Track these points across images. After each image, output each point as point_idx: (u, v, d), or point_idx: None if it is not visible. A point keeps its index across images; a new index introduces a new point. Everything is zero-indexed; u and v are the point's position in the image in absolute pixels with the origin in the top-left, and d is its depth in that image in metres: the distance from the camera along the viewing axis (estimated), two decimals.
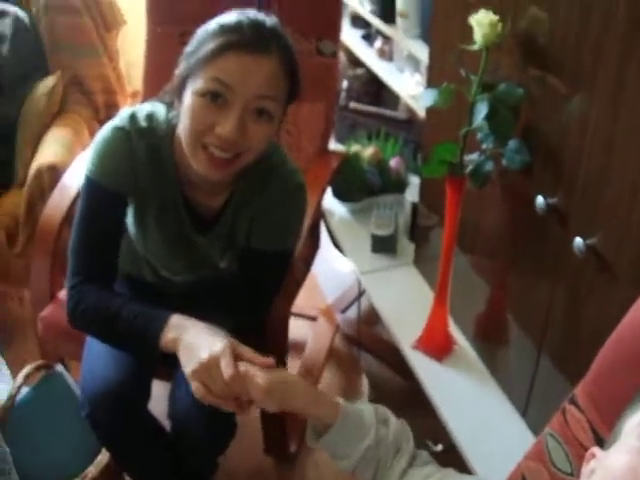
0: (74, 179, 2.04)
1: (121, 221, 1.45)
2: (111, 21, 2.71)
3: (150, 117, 1.40)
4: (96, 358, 1.56)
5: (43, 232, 1.96)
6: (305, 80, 1.34)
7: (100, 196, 1.41)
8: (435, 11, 1.74)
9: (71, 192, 2.00)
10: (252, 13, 1.27)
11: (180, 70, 1.31)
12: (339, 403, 1.11)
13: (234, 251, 1.52)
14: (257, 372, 1.11)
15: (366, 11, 2.51)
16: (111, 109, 2.73)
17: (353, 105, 2.82)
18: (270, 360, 1.15)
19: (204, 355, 1.15)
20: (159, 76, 2.15)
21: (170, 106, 1.40)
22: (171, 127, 1.39)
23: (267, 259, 1.46)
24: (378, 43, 2.63)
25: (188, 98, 1.26)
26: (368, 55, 2.70)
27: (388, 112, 2.77)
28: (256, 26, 1.24)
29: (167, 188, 1.44)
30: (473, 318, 1.86)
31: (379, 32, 2.57)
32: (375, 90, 2.92)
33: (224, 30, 1.24)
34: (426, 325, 1.84)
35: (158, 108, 1.43)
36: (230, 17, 1.26)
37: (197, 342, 1.20)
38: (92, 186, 1.41)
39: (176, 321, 1.27)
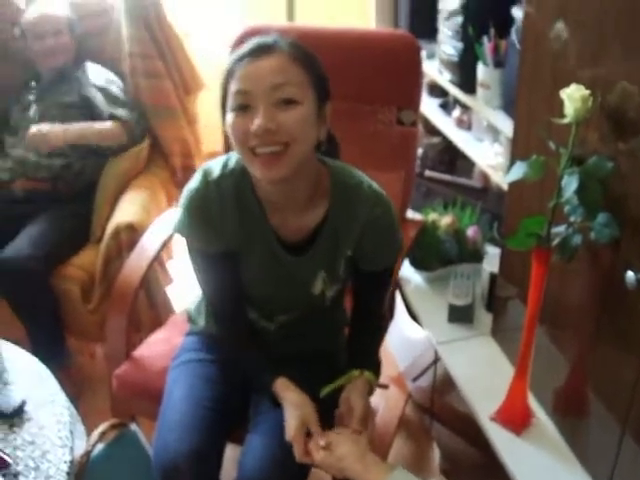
0: (152, 241, 2.12)
1: (234, 270, 1.58)
2: (191, 85, 2.83)
3: (224, 165, 1.53)
4: (170, 423, 1.61)
5: (120, 292, 2.04)
6: (385, 149, 1.40)
7: (203, 259, 1.57)
8: (520, 84, 1.78)
9: (149, 254, 2.08)
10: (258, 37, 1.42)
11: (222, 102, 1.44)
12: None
13: (330, 273, 1.59)
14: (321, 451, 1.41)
15: (445, 80, 2.57)
16: (188, 172, 2.82)
17: (428, 173, 2.87)
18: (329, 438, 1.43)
19: (287, 434, 1.44)
20: None
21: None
22: (241, 163, 1.49)
23: (375, 278, 1.62)
24: (456, 112, 2.68)
25: (227, 120, 1.40)
26: (446, 124, 2.76)
27: (463, 180, 2.81)
28: (259, 40, 1.40)
29: (254, 222, 1.53)
30: (553, 391, 1.86)
31: (457, 101, 2.63)
32: (450, 158, 2.97)
33: (235, 55, 1.41)
34: (505, 398, 1.84)
35: (231, 155, 1.54)
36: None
37: (286, 418, 1.48)
38: (192, 252, 1.57)
39: (279, 386, 1.52)
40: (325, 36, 2.20)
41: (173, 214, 2.21)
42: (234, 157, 1.53)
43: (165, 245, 2.15)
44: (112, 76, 2.79)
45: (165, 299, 2.40)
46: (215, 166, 1.53)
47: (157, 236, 2.14)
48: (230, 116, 1.39)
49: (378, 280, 1.65)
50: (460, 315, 2.16)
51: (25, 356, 1.75)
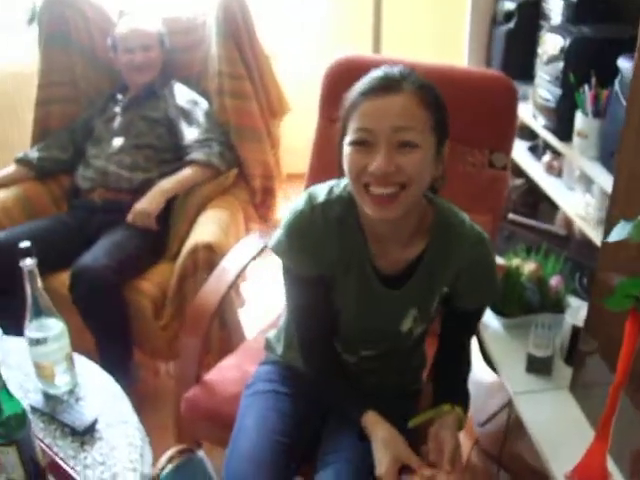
0: (233, 264, 2.14)
1: (327, 296, 1.59)
2: (277, 108, 2.86)
3: (330, 191, 1.55)
4: (241, 454, 1.61)
5: (197, 314, 2.05)
6: (474, 191, 1.40)
7: (297, 282, 1.59)
8: (624, 139, 1.75)
9: (229, 277, 2.10)
10: (384, 67, 1.43)
11: (339, 133, 1.46)
12: None
13: (422, 310, 1.60)
14: None
15: (539, 125, 2.54)
16: (267, 194, 2.85)
17: (511, 216, 2.84)
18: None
19: (378, 470, 1.44)
20: (326, 165, 2.25)
21: (340, 175, 1.53)
22: (349, 191, 1.50)
23: (468, 316, 1.65)
24: (547, 157, 2.66)
25: (344, 151, 1.42)
26: (534, 168, 2.73)
27: (546, 226, 2.78)
28: (385, 73, 1.40)
29: (354, 250, 1.54)
30: (632, 455, 1.81)
31: (548, 146, 2.60)
32: (533, 202, 2.94)
33: (359, 86, 1.41)
34: (583, 457, 1.79)
35: (336, 182, 1.57)
36: (373, 72, 1.43)
37: (376, 454, 1.47)
38: (287, 273, 1.59)
39: (369, 420, 1.52)
40: (418, 70, 2.19)
41: (253, 239, 2.27)
42: (341, 183, 1.55)
43: (245, 268, 2.16)
44: (197, 97, 2.84)
45: (237, 322, 2.41)
46: (321, 191, 1.55)
47: (237, 260, 2.15)
48: (348, 149, 1.40)
49: (469, 319, 1.68)
50: (539, 366, 2.13)
51: (99, 373, 1.78)
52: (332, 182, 1.57)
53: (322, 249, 1.52)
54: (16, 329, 1.70)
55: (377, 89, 1.37)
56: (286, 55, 3.08)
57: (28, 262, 1.56)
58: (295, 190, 3.20)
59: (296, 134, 3.01)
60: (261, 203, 2.85)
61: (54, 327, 1.62)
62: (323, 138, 2.30)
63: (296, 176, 3.26)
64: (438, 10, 4.08)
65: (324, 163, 2.27)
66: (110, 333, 2.48)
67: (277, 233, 1.58)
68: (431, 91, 1.41)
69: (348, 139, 1.40)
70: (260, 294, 2.94)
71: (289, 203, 2.97)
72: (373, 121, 1.36)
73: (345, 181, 1.52)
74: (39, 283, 1.58)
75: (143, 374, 2.73)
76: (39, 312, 1.59)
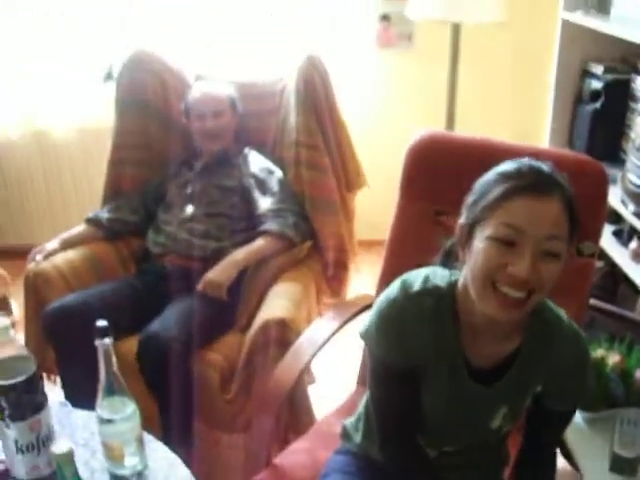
0: (310, 344, 2.11)
1: (414, 388, 1.54)
2: (354, 181, 2.86)
3: (426, 279, 1.50)
4: None
5: (271, 394, 2.02)
6: (560, 281, 1.37)
7: (385, 371, 1.55)
8: None
9: (305, 358, 2.07)
10: (527, 160, 1.38)
11: (464, 221, 1.43)
12: None
13: (513, 409, 1.56)
14: None
15: (629, 212, 2.50)
16: (339, 267, 2.83)
17: (592, 302, 2.77)
18: None
19: None
20: (405, 246, 2.23)
21: (445, 265, 1.53)
22: (450, 283, 1.48)
23: (557, 417, 1.60)
24: (634, 244, 2.60)
25: (479, 243, 1.36)
26: (619, 253, 2.69)
27: (630, 314, 2.71)
28: (536, 171, 1.36)
29: (446, 342, 1.50)
30: None
31: (636, 232, 2.54)
32: (612, 285, 2.88)
33: (506, 176, 1.36)
34: None
35: (432, 270, 1.53)
36: (508, 165, 1.39)
37: None
38: (375, 362, 1.55)
39: None
40: (501, 151, 2.16)
41: (329, 319, 2.24)
42: (438, 272, 1.52)
43: (320, 349, 2.13)
44: (272, 166, 2.85)
45: (306, 400, 2.38)
46: (416, 279, 1.52)
47: (312, 341, 2.12)
48: (486, 243, 1.35)
49: (559, 420, 1.62)
50: (625, 466, 2.06)
51: (167, 454, 1.77)
52: (427, 270, 1.54)
53: (413, 340, 1.49)
54: (83, 400, 1.69)
55: (532, 187, 1.33)
56: (358, 127, 3.07)
57: (105, 341, 1.55)
58: (364, 259, 3.18)
59: (368, 207, 3.01)
60: (333, 276, 2.83)
61: (126, 408, 1.62)
62: (404, 217, 2.28)
63: (364, 243, 3.26)
64: (517, 88, 4.08)
65: (404, 243, 2.25)
66: (173, 402, 2.46)
67: (367, 320, 1.56)
68: (573, 198, 1.38)
69: (489, 232, 1.35)
70: (331, 371, 2.90)
71: (359, 275, 2.98)
72: (526, 223, 1.32)
73: (442, 271, 1.51)
74: (114, 362, 1.58)
75: (203, 444, 2.68)
76: (112, 391, 1.60)
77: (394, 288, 1.53)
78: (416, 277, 1.53)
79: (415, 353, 1.50)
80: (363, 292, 2.55)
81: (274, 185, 2.79)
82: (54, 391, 2.77)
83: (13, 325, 3.41)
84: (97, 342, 1.55)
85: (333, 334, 2.16)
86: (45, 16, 3.88)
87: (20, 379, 1.54)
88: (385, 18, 3.85)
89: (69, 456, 1.37)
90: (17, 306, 3.69)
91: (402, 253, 2.25)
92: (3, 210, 4.42)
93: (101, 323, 1.55)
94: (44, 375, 2.80)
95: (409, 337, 1.49)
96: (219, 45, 3.79)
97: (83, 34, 3.92)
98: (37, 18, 3.88)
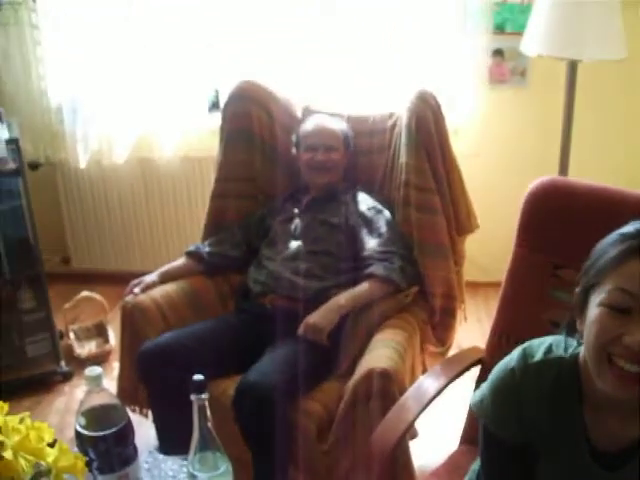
0: (416, 401, 2.04)
1: (529, 468, 1.45)
2: (465, 224, 2.77)
3: (548, 349, 1.42)
4: None
5: (374, 452, 1.96)
6: None
7: (497, 447, 1.46)
8: None
9: (410, 416, 1.99)
10: None
11: (580, 286, 1.34)
12: None
13: None
14: None
15: None
16: (446, 314, 2.74)
17: None
18: None
19: None
20: (520, 300, 2.12)
21: (570, 334, 1.42)
22: (574, 355, 1.39)
23: None
24: None
25: (592, 311, 1.28)
26: None
27: None
28: None
29: (566, 418, 1.41)
30: None
31: None
32: None
33: (625, 237, 1.28)
34: None
35: (555, 339, 1.44)
36: (631, 225, 1.30)
37: None
38: (487, 435, 1.47)
39: None
40: (631, 203, 2.03)
41: (435, 376, 2.14)
42: (562, 343, 1.43)
43: (426, 407, 2.03)
44: (380, 207, 2.78)
45: (407, 456, 2.29)
46: (538, 348, 1.43)
47: (420, 398, 2.04)
48: (600, 310, 1.27)
49: None
50: None
51: None
52: (551, 339, 1.45)
53: (530, 414, 1.40)
54: (174, 439, 1.64)
55: None
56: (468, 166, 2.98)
57: (201, 396, 1.50)
58: (469, 302, 3.07)
59: (469, 239, 2.91)
60: (439, 323, 2.72)
61: (219, 465, 1.56)
62: (519, 268, 2.17)
63: (470, 285, 3.15)
64: (633, 129, 3.91)
65: (519, 296, 2.14)
66: (268, 450, 2.41)
67: (481, 389, 1.47)
68: None
69: (602, 298, 1.27)
70: (433, 426, 2.78)
71: (465, 324, 2.88)
72: None
73: (568, 341, 1.42)
74: (209, 418, 1.52)
75: None
76: (205, 447, 1.54)
77: (513, 356, 1.44)
78: (538, 346, 1.44)
79: (532, 429, 1.41)
80: (468, 340, 2.45)
81: (382, 225, 2.71)
82: (143, 425, 2.79)
83: (109, 353, 3.49)
84: (192, 397, 1.50)
85: (440, 392, 2.07)
86: (154, 43, 3.92)
87: (111, 431, 1.51)
88: (498, 53, 3.74)
89: None
90: (114, 334, 3.72)
91: (516, 307, 2.15)
92: (104, 235, 4.49)
93: (198, 377, 1.50)
94: (136, 409, 2.80)
95: (525, 411, 1.40)
96: (328, 77, 3.75)
97: (191, 62, 3.96)
98: (147, 44, 3.93)
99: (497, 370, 1.45)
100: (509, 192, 2.19)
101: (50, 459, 1.36)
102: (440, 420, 2.79)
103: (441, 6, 3.64)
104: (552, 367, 1.39)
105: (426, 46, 3.72)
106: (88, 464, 1.47)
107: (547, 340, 1.45)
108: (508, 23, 3.70)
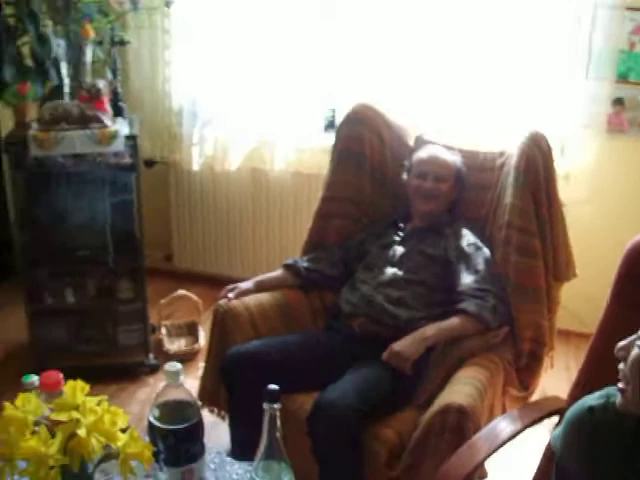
0: (488, 441, 2.04)
1: None
2: (563, 271, 2.75)
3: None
4: None
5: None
6: None
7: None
8: None
9: (480, 455, 2.00)
10: None
11: None
12: None
13: None
14: None
15: None
16: (533, 359, 2.72)
17: None
18: None
19: None
20: (609, 356, 2.08)
21: None
22: None
23: None
24: None
25: None
26: None
27: None
28: None
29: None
30: None
31: None
32: None
33: None
34: None
35: None
36: None
37: None
38: (561, 470, 1.47)
39: None
40: None
41: (513, 418, 2.14)
42: None
43: (497, 449, 2.03)
44: (480, 244, 2.81)
45: None
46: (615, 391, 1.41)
47: (493, 439, 2.03)
48: None
49: None
50: None
51: None
52: None
53: (605, 458, 1.38)
54: (248, 446, 1.68)
55: None
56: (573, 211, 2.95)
57: (273, 406, 1.55)
58: (559, 350, 3.02)
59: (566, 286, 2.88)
60: (524, 367, 2.71)
61: (282, 476, 1.60)
62: (612, 324, 2.13)
63: (562, 333, 3.12)
64: None
65: (608, 353, 2.09)
66: (338, 472, 2.44)
67: (561, 426, 1.46)
68: None
69: None
70: (504, 470, 2.76)
71: (552, 372, 2.84)
72: None
73: None
74: (278, 428, 1.56)
75: None
76: (270, 456, 1.59)
77: (594, 395, 1.42)
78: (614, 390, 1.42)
79: (603, 474, 1.39)
80: (554, 388, 2.43)
81: (480, 263, 2.72)
82: (219, 426, 2.89)
83: (197, 352, 3.59)
84: (265, 405, 1.54)
85: (514, 436, 2.06)
86: (278, 57, 4.06)
87: (182, 426, 1.57)
88: (619, 102, 3.69)
89: None
90: (204, 335, 3.82)
91: (604, 361, 2.08)
92: (208, 238, 4.64)
93: (273, 387, 1.55)
94: (214, 411, 2.87)
95: (599, 453, 1.38)
96: (443, 108, 3.79)
97: (312, 79, 4.07)
98: (272, 58, 4.07)
99: (576, 405, 1.44)
100: (615, 243, 2.16)
101: (120, 443, 1.44)
102: (512, 466, 2.77)
103: (566, 48, 3.64)
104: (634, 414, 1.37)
105: (546, 87, 3.72)
106: (156, 455, 1.54)
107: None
108: (632, 72, 3.64)
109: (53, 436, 1.38)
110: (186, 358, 3.72)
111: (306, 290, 3.02)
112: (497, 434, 2.07)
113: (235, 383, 2.61)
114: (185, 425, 1.57)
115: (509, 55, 3.70)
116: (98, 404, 1.45)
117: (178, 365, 1.58)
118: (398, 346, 2.55)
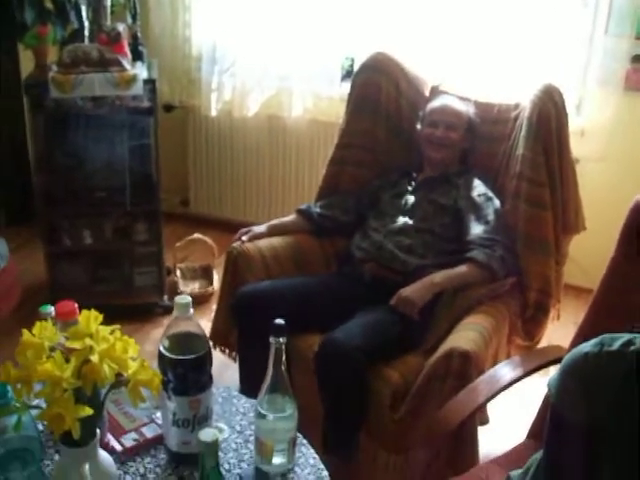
0: (488, 385, 2.09)
1: (596, 457, 1.43)
2: (572, 223, 2.79)
3: (629, 342, 1.37)
4: None
5: (438, 425, 2.01)
6: None
7: (567, 430, 1.44)
8: None
9: (480, 398, 2.05)
10: None
11: None
12: None
13: None
14: None
15: None
16: (539, 310, 2.77)
17: None
18: None
19: None
20: (612, 307, 2.13)
21: None
22: None
23: None
24: None
25: None
26: None
27: None
28: None
29: (630, 420, 1.37)
30: None
31: None
32: None
33: None
34: None
35: (637, 335, 1.40)
36: None
37: None
38: (556, 418, 1.45)
39: None
40: None
41: (515, 363, 2.19)
42: None
43: (497, 394, 2.09)
44: (491, 194, 2.84)
45: (474, 440, 2.33)
46: (617, 340, 1.39)
47: (492, 383, 2.08)
48: None
49: None
50: None
51: (316, 462, 1.81)
52: (632, 335, 1.41)
53: (597, 406, 1.41)
54: (255, 384, 1.75)
55: None
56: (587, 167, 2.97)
57: (279, 340, 1.61)
58: (567, 305, 3.08)
59: (576, 242, 2.92)
60: (531, 318, 2.76)
61: (286, 408, 1.68)
62: (616, 274, 2.17)
63: (572, 288, 3.15)
64: None
65: (612, 303, 2.15)
66: (342, 410, 2.52)
67: (557, 371, 1.49)
68: None
69: None
70: (505, 416, 2.82)
71: (558, 323, 2.89)
72: None
73: None
74: (283, 362, 1.64)
75: (359, 455, 2.70)
76: (275, 389, 1.67)
77: (590, 342, 1.45)
78: (618, 338, 1.44)
79: (595, 419, 1.42)
80: (561, 341, 2.46)
81: (489, 213, 2.76)
82: (230, 367, 2.97)
83: (210, 295, 3.65)
84: (271, 339, 1.61)
85: (514, 382, 2.12)
86: (298, 5, 4.08)
87: (190, 357, 1.65)
88: (637, 59, 3.67)
89: (213, 447, 1.42)
90: (218, 279, 3.88)
91: (606, 313, 2.15)
92: (225, 184, 4.70)
93: (279, 321, 1.61)
94: (225, 351, 2.95)
95: (592, 402, 1.42)
96: (459, 59, 3.80)
97: (331, 28, 4.09)
98: (291, 5, 4.10)
99: (571, 353, 1.46)
100: (628, 201, 2.18)
101: (130, 370, 1.50)
102: (513, 411, 2.83)
103: (586, 2, 3.63)
104: (628, 360, 1.35)
105: (564, 41, 3.72)
106: (164, 384, 1.61)
107: (629, 335, 1.41)
108: None
109: (67, 362, 1.44)
110: (200, 300, 3.81)
111: (318, 235, 3.09)
112: (498, 379, 2.13)
113: (245, 321, 2.67)
114: (194, 356, 1.64)
115: (529, 8, 3.69)
116: (111, 333, 1.52)
117: (188, 298, 1.65)
118: (406, 291, 2.60)
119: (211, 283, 4.04)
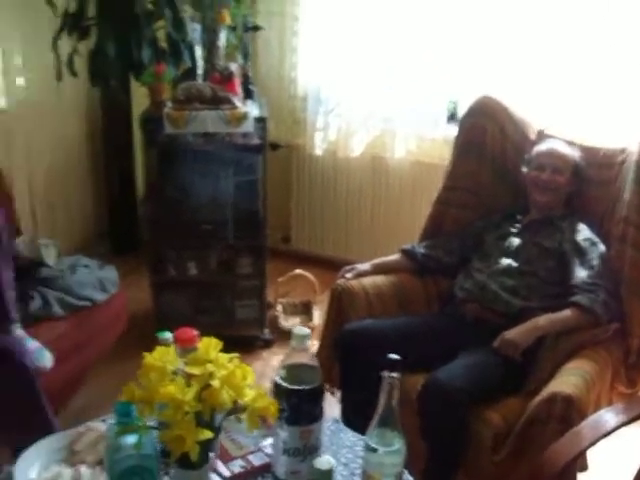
0: (592, 430, 2.08)
1: None
2: None
3: None
4: None
5: (541, 470, 2.01)
6: None
7: None
8: None
9: (583, 443, 2.04)
10: None
11: None
12: None
13: None
14: None
15: None
16: None
17: None
18: None
19: None
20: None
21: None
22: None
23: None
24: None
25: None
26: None
27: None
28: None
29: None
30: None
31: None
32: None
33: None
34: None
35: None
36: None
37: None
38: None
39: None
40: None
41: (618, 410, 2.18)
42: None
43: (601, 439, 2.08)
44: (596, 239, 2.85)
45: None
46: None
47: (597, 429, 2.08)
48: None
49: None
50: None
51: None
52: None
53: None
54: (357, 421, 1.78)
55: None
56: None
57: (392, 375, 1.65)
58: None
59: None
60: (633, 365, 2.73)
61: (395, 442, 1.69)
62: None
63: None
64: None
65: None
66: (443, 450, 2.53)
67: None
68: None
69: None
70: (607, 463, 2.78)
71: None
72: None
73: None
74: (396, 397, 1.66)
75: None
76: (385, 423, 1.70)
77: None
78: None
79: None
80: None
81: (594, 258, 2.76)
82: (331, 404, 2.98)
83: (312, 330, 3.70)
84: (384, 373, 1.65)
85: (618, 427, 2.10)
86: (405, 48, 4.17)
87: (305, 387, 1.71)
88: None
89: (328, 474, 1.47)
90: (318, 315, 3.95)
91: None
92: (327, 222, 4.80)
93: (394, 356, 1.65)
94: (326, 387, 3.00)
95: None
96: (566, 103, 3.81)
97: (435, 71, 4.18)
98: (398, 49, 4.19)
99: None
100: None
101: (248, 398, 1.57)
102: (614, 459, 2.79)
103: None
104: None
105: None
106: (279, 412, 1.67)
107: None
108: None
109: (188, 386, 1.52)
110: None
111: (421, 275, 3.13)
112: (602, 425, 2.11)
113: (349, 358, 2.73)
114: (309, 387, 1.69)
115: (635, 50, 3.67)
116: (230, 361, 1.59)
117: (306, 330, 1.71)
118: (510, 334, 2.62)
119: (311, 319, 4.10)
